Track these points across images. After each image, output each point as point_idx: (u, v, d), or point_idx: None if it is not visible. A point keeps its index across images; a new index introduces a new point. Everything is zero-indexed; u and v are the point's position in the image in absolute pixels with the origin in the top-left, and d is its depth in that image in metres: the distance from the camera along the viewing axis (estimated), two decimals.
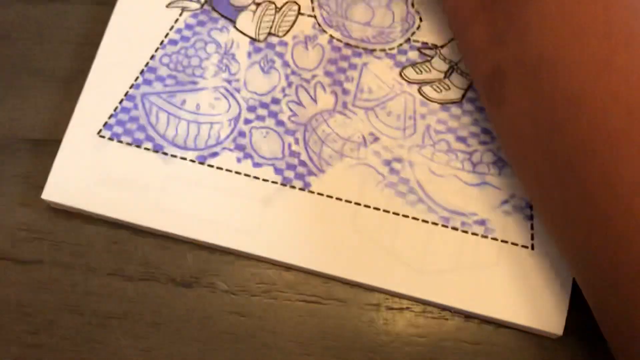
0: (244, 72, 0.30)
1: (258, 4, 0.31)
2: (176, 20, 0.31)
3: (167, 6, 0.31)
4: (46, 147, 0.30)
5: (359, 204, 0.28)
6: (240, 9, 0.31)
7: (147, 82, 0.30)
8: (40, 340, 0.27)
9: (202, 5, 0.31)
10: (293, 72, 0.30)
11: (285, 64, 0.30)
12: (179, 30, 0.31)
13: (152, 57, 0.31)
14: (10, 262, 0.28)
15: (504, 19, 0.23)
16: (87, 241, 0.29)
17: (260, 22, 0.31)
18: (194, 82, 0.30)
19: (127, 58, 0.30)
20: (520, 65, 0.23)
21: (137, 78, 0.30)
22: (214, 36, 0.31)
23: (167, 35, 0.31)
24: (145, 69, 0.30)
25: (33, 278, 0.28)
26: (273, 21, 0.31)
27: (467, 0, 0.25)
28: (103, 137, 0.29)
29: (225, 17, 0.31)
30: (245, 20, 0.31)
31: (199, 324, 0.27)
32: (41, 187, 0.28)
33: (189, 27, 0.31)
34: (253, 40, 0.31)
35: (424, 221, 0.28)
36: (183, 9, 0.31)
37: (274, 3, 0.31)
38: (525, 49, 0.22)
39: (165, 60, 0.31)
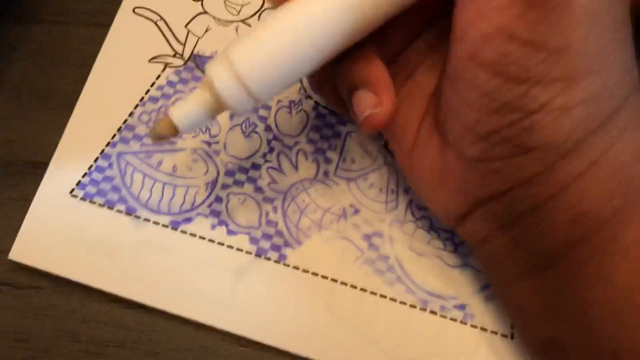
0: (225, 134, 0.29)
1: None
2: (158, 77, 0.30)
3: (150, 61, 0.31)
4: (44, 169, 0.29)
5: (335, 281, 0.27)
6: None
7: (124, 141, 0.29)
8: None
9: (186, 62, 0.31)
10: (275, 138, 0.29)
11: (268, 129, 0.30)
12: (160, 87, 0.30)
13: (131, 114, 0.30)
14: (7, 287, 0.28)
15: (559, 291, 0.21)
16: None
17: None
18: (172, 143, 0.29)
19: (105, 114, 0.30)
20: (585, 348, 0.21)
21: (114, 136, 0.29)
22: None
23: (147, 91, 0.30)
24: (123, 126, 0.29)
25: (30, 304, 0.28)
26: None
27: (508, 263, 0.23)
28: (75, 196, 0.28)
29: None
30: None
31: (199, 354, 0.26)
32: None
33: (170, 84, 0.30)
34: None
35: (402, 303, 0.27)
36: (166, 65, 0.31)
37: None
38: (592, 337, 0.20)
39: (145, 118, 0.30)
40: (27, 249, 0.27)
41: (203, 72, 0.30)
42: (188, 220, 0.28)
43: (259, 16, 0.31)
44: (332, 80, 0.24)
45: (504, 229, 0.22)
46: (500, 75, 0.19)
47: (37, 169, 0.29)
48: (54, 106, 0.31)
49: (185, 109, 0.22)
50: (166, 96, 0.30)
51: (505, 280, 0.23)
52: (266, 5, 0.31)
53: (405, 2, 0.21)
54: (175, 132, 0.22)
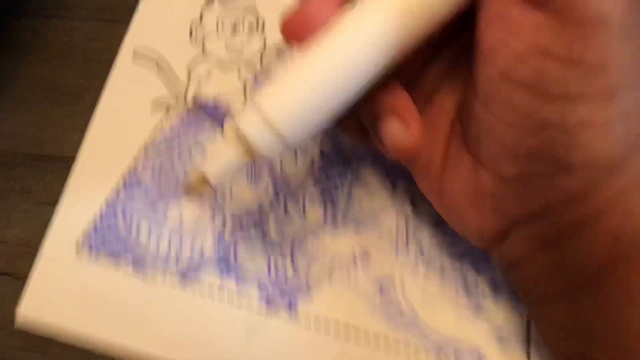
0: (230, 180, 0.29)
1: None
2: (160, 121, 0.30)
3: (151, 104, 0.30)
4: (48, 162, 0.30)
5: (348, 327, 0.27)
6: (228, 110, 0.30)
7: (129, 189, 0.29)
8: (35, 357, 0.27)
9: (188, 105, 0.30)
10: (281, 182, 0.29)
11: (273, 173, 0.29)
12: (163, 132, 0.30)
13: (135, 161, 0.29)
14: (8, 277, 0.28)
15: (595, 309, 0.21)
16: None
17: None
18: (178, 190, 0.29)
19: (108, 162, 0.29)
20: None
21: (118, 184, 0.29)
22: (200, 139, 0.30)
23: (150, 137, 0.30)
24: (127, 174, 0.29)
25: None
26: None
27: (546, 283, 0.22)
28: (81, 248, 0.28)
29: (212, 119, 0.30)
30: None
31: None
32: (41, 203, 0.29)
33: (173, 128, 0.30)
34: None
35: (415, 348, 0.26)
36: (168, 108, 0.30)
37: None
38: (625, 355, 0.20)
39: (149, 165, 0.29)
40: (34, 306, 0.27)
41: (206, 115, 0.30)
42: (196, 271, 0.28)
43: (261, 56, 0.31)
44: (352, 111, 0.23)
45: (544, 249, 0.22)
46: (537, 93, 0.19)
47: (40, 161, 0.30)
48: (58, 99, 0.31)
49: (218, 164, 0.21)
50: (169, 141, 0.30)
51: (541, 300, 0.23)
52: (268, 46, 0.31)
53: (432, 31, 0.20)
54: (208, 187, 0.22)
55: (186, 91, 0.30)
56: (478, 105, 0.21)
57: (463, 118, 0.23)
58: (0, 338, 0.27)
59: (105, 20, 0.32)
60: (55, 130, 0.30)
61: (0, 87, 0.31)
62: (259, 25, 0.31)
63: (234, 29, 0.31)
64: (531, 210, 0.21)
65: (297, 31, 0.21)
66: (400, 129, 0.22)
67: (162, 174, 0.29)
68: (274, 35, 0.31)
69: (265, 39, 0.31)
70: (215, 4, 0.31)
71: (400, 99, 0.22)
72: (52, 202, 0.29)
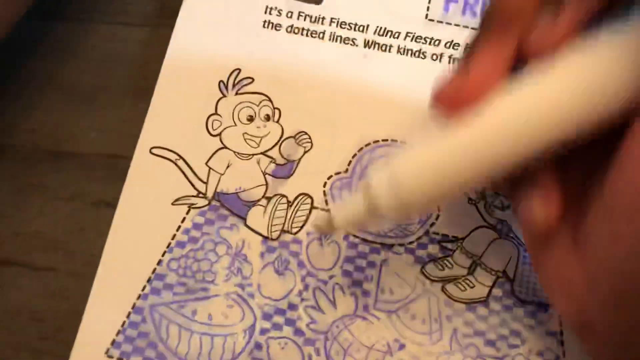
0: (257, 275, 0.29)
1: (268, 198, 0.30)
2: (183, 220, 0.30)
3: (173, 204, 0.30)
4: (64, 159, 0.31)
5: None
6: (250, 204, 0.30)
7: (156, 292, 0.28)
8: (50, 345, 0.28)
9: (210, 202, 0.30)
10: (309, 274, 0.29)
11: (301, 264, 0.29)
12: (186, 231, 0.30)
13: (160, 262, 0.29)
14: (24, 268, 0.29)
15: None
16: (99, 252, 0.29)
17: (272, 219, 0.30)
18: (205, 289, 0.29)
19: (133, 265, 0.29)
20: None
21: (144, 287, 0.29)
22: (223, 236, 0.29)
23: (174, 237, 0.29)
24: (152, 276, 0.29)
25: (46, 285, 0.29)
26: (285, 217, 0.30)
27: None
28: (111, 357, 0.27)
29: (235, 214, 0.30)
30: (256, 217, 0.30)
31: None
32: (58, 199, 0.30)
33: (196, 226, 0.30)
34: (265, 238, 0.29)
35: None
36: (190, 207, 0.30)
37: (285, 196, 0.30)
38: None
39: (174, 265, 0.29)
40: None
41: (228, 210, 0.30)
42: None
43: (280, 147, 0.31)
44: None
45: None
46: None
47: (57, 158, 0.31)
48: (75, 98, 0.32)
49: (344, 213, 0.24)
50: (193, 240, 0.29)
51: None
52: (285, 135, 0.31)
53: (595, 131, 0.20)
54: (334, 229, 0.24)
55: (206, 187, 0.30)
56: (600, 210, 0.21)
57: (582, 208, 0.22)
58: (18, 326, 0.28)
59: (121, 23, 0.34)
60: (72, 127, 0.32)
61: (20, 85, 0.33)
62: (274, 116, 0.31)
63: (250, 120, 0.31)
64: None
65: (451, 102, 0.21)
66: (541, 206, 0.22)
67: (188, 273, 0.29)
68: (291, 124, 0.31)
69: (282, 129, 0.31)
70: (230, 96, 0.32)
71: (548, 175, 0.22)
72: (68, 197, 0.31)
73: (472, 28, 0.33)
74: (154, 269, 0.29)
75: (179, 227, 0.30)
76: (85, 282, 0.29)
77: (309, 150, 0.31)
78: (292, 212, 0.30)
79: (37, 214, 0.30)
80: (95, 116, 0.32)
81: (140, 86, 0.32)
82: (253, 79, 0.32)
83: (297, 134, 0.31)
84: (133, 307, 0.28)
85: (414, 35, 0.33)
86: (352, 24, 0.33)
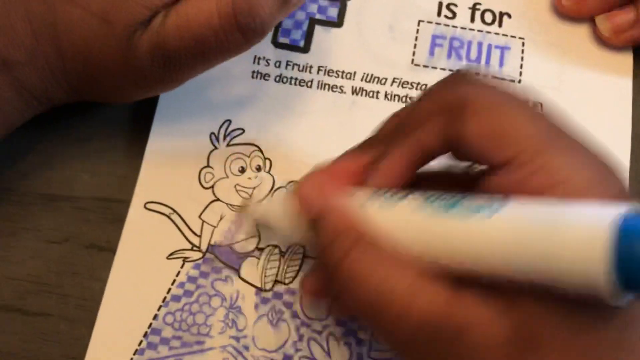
0: (252, 327, 0.29)
1: (261, 249, 0.30)
2: (178, 273, 0.30)
3: (168, 257, 0.30)
4: (58, 201, 0.31)
5: None
6: (244, 256, 0.30)
7: (152, 347, 0.29)
8: None
9: (204, 254, 0.30)
10: (303, 324, 0.29)
11: (295, 315, 0.29)
12: (181, 284, 0.30)
13: (155, 316, 0.29)
14: (17, 313, 0.29)
15: None
16: (92, 296, 0.29)
17: (265, 270, 0.30)
18: (201, 342, 0.29)
19: (128, 320, 0.29)
20: None
21: (140, 342, 0.29)
22: (218, 288, 0.30)
23: (169, 290, 0.30)
24: (149, 331, 0.29)
25: (39, 330, 0.29)
26: (278, 267, 0.30)
27: None
28: None
29: (229, 266, 0.30)
30: (250, 268, 0.30)
31: None
32: (51, 242, 0.31)
33: (191, 279, 0.30)
34: (259, 289, 0.30)
35: None
36: (184, 260, 0.30)
37: (277, 247, 0.30)
38: None
39: (169, 319, 0.29)
40: None
41: (222, 262, 0.30)
42: None
43: (272, 196, 0.31)
44: None
45: None
46: None
47: (49, 201, 0.31)
48: (68, 141, 0.32)
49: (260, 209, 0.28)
50: (188, 293, 0.30)
51: None
52: (277, 185, 0.32)
53: None
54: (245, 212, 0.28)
55: (200, 240, 0.31)
56: None
57: None
58: None
59: None
60: (64, 170, 0.32)
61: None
62: (265, 166, 0.32)
63: (242, 171, 0.32)
64: None
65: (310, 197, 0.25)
66: None
67: (183, 326, 0.29)
68: (282, 174, 0.32)
69: (274, 179, 0.32)
70: (221, 148, 0.32)
71: None
72: (61, 240, 0.31)
73: None
74: (150, 324, 0.29)
75: (174, 280, 0.30)
76: (79, 327, 0.29)
77: None
78: (285, 262, 0.30)
79: (30, 258, 0.30)
80: (87, 159, 0.32)
81: (133, 129, 0.33)
82: (243, 130, 0.33)
83: (289, 183, 0.32)
84: None
85: (400, 81, 0.34)
86: (339, 71, 0.34)
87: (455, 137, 0.22)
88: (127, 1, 0.26)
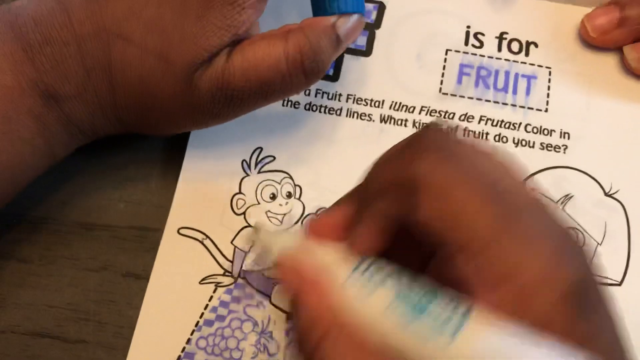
0: (283, 352, 0.30)
1: None
2: (210, 298, 0.31)
3: (201, 282, 0.31)
4: (95, 230, 0.32)
5: None
6: (275, 282, 0.31)
7: None
8: None
9: (236, 280, 0.31)
10: None
11: None
12: (214, 309, 0.31)
13: (189, 340, 0.30)
14: (56, 340, 0.30)
15: None
16: (129, 324, 0.30)
17: None
18: None
19: (162, 344, 0.30)
20: None
21: None
22: (249, 313, 0.30)
23: (202, 315, 0.30)
24: (182, 354, 0.30)
25: (77, 357, 0.30)
26: None
27: None
28: None
29: (260, 292, 0.31)
30: (281, 294, 0.31)
31: None
32: (89, 270, 0.31)
33: (223, 304, 0.31)
34: (290, 315, 0.30)
35: None
36: (217, 285, 0.31)
37: None
38: None
39: (202, 343, 0.30)
40: None
41: (254, 288, 0.31)
42: None
43: (302, 223, 0.32)
44: None
45: None
46: None
47: (87, 229, 0.32)
48: (104, 171, 0.33)
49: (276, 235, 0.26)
50: (220, 318, 0.30)
51: None
52: (307, 212, 0.32)
53: None
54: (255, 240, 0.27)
55: (232, 265, 0.31)
56: None
57: None
58: None
59: None
60: (101, 200, 0.33)
61: None
62: (296, 193, 0.33)
63: (273, 198, 0.32)
64: None
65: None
66: None
67: (216, 350, 0.30)
68: (312, 201, 0.32)
69: (304, 206, 0.32)
70: (253, 175, 0.33)
71: None
72: (98, 268, 0.32)
73: (486, 100, 0.35)
74: (184, 348, 0.30)
75: (207, 305, 0.31)
76: (115, 354, 0.30)
77: None
78: None
79: (68, 286, 0.31)
80: (123, 188, 0.33)
81: (168, 157, 0.34)
82: (274, 157, 0.33)
83: (318, 210, 0.32)
84: None
85: (428, 109, 0.34)
86: (368, 99, 0.35)
87: (407, 220, 0.21)
88: (185, 42, 0.27)
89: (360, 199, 0.23)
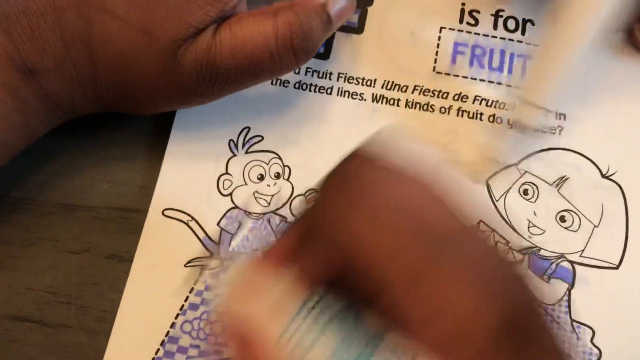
0: None
1: None
2: (196, 281, 0.30)
3: (186, 265, 0.30)
4: (76, 211, 0.31)
5: None
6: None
7: (169, 355, 0.29)
8: None
9: (223, 262, 0.30)
10: None
11: None
12: (199, 293, 0.30)
13: (173, 325, 0.29)
14: (37, 324, 0.29)
15: None
16: (112, 307, 0.29)
17: None
18: (219, 352, 0.29)
19: (145, 328, 0.29)
20: None
21: (157, 350, 0.29)
22: None
23: (187, 299, 0.30)
24: (166, 339, 0.29)
25: (58, 341, 0.29)
26: None
27: None
28: None
29: None
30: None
31: None
32: (70, 252, 0.30)
33: (209, 288, 0.30)
34: None
35: None
36: (202, 268, 0.30)
37: None
38: None
39: (187, 327, 0.29)
40: None
41: None
42: None
43: (290, 205, 0.31)
44: None
45: None
46: None
47: (68, 210, 0.31)
48: (86, 150, 0.32)
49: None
50: (206, 302, 0.29)
51: None
52: (296, 192, 0.31)
53: None
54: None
55: (219, 247, 0.30)
56: None
57: None
58: None
59: None
60: (83, 180, 0.32)
61: None
62: (284, 173, 0.32)
63: (261, 179, 0.31)
64: None
65: None
66: None
67: (201, 335, 0.29)
68: (301, 182, 0.32)
69: (293, 187, 0.31)
70: (240, 155, 0.32)
71: None
72: (80, 251, 0.31)
73: (481, 80, 0.34)
74: (168, 332, 0.29)
75: (192, 289, 0.30)
76: (98, 339, 0.29)
77: None
78: None
79: (49, 269, 0.30)
80: (105, 168, 0.32)
81: (153, 137, 0.33)
82: (262, 137, 0.32)
83: (307, 191, 0.31)
84: None
85: (422, 89, 0.34)
86: (359, 78, 0.34)
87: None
88: (169, 16, 0.26)
89: (308, 226, 0.22)
